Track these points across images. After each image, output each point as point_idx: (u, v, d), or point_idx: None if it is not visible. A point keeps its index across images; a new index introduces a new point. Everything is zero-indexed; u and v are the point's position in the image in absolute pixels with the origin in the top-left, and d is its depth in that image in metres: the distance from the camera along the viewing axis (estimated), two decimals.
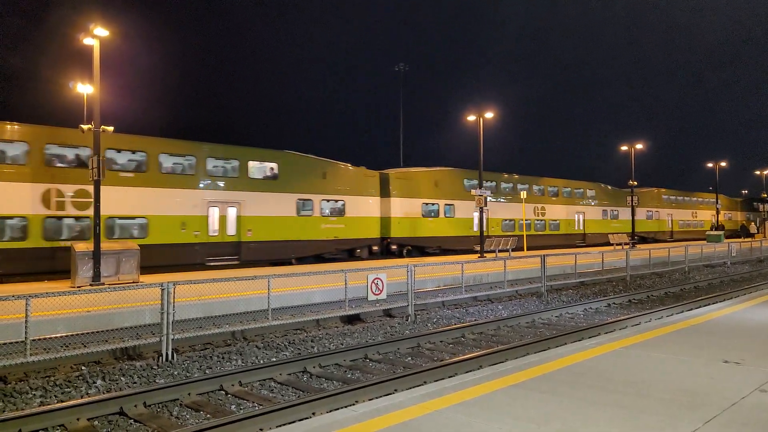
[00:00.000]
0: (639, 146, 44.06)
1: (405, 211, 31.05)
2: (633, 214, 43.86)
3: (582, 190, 45.03)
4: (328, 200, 27.29)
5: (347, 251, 28.07)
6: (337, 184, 27.76)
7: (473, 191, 30.00)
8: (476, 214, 32.06)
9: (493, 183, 36.93)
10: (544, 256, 18.68)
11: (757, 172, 68.77)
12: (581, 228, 44.07)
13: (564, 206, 42.76)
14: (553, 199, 42.00)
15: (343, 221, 27.74)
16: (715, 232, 49.25)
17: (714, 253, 31.34)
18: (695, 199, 61.17)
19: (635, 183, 44.08)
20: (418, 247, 31.84)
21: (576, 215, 43.89)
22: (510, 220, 37.99)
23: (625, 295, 18.12)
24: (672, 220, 54.97)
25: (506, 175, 39.11)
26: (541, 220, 40.26)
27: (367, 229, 28.70)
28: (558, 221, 41.97)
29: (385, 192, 30.20)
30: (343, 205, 27.85)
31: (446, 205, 33.56)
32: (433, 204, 32.80)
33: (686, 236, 55.03)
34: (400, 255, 30.76)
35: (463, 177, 35.09)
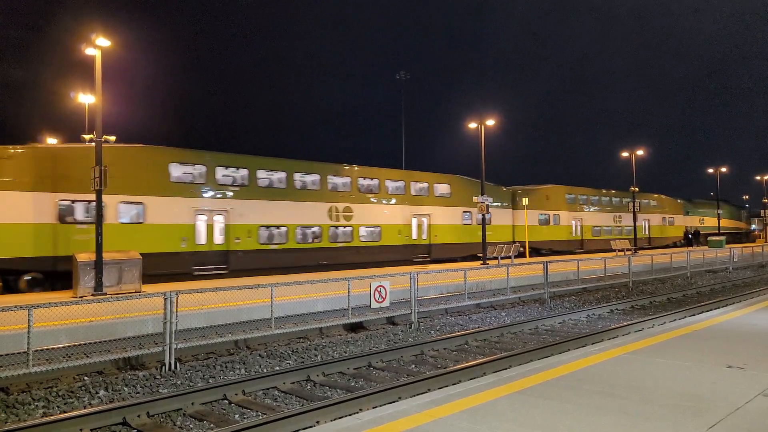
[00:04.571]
0: (640, 152, 44.17)
1: None
2: (635, 221, 43.82)
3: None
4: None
5: None
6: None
7: (475, 198, 30.42)
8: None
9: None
10: (546, 262, 18.68)
11: (758, 177, 68.87)
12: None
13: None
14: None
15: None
16: (717, 238, 49.24)
17: (716, 259, 31.30)
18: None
19: (636, 189, 44.11)
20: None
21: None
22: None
23: (627, 301, 18.09)
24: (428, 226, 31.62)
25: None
26: None
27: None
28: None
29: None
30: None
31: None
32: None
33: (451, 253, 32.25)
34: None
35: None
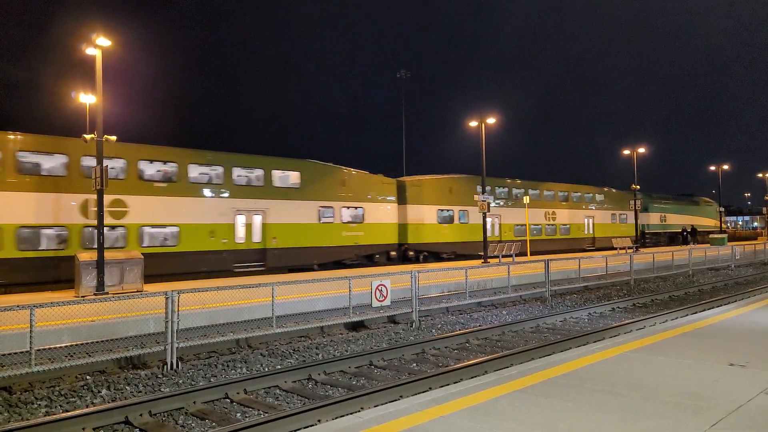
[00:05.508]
0: (641, 150, 44.09)
1: None
2: (636, 218, 43.73)
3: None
4: None
5: None
6: None
7: (476, 197, 30.31)
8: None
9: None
10: (547, 261, 18.67)
11: (759, 175, 68.75)
12: None
13: None
14: None
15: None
16: (719, 236, 49.22)
17: (718, 257, 31.27)
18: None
19: (638, 187, 44.00)
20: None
21: None
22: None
23: (629, 299, 18.07)
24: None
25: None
26: None
27: None
28: None
29: None
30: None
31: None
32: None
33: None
34: None
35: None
